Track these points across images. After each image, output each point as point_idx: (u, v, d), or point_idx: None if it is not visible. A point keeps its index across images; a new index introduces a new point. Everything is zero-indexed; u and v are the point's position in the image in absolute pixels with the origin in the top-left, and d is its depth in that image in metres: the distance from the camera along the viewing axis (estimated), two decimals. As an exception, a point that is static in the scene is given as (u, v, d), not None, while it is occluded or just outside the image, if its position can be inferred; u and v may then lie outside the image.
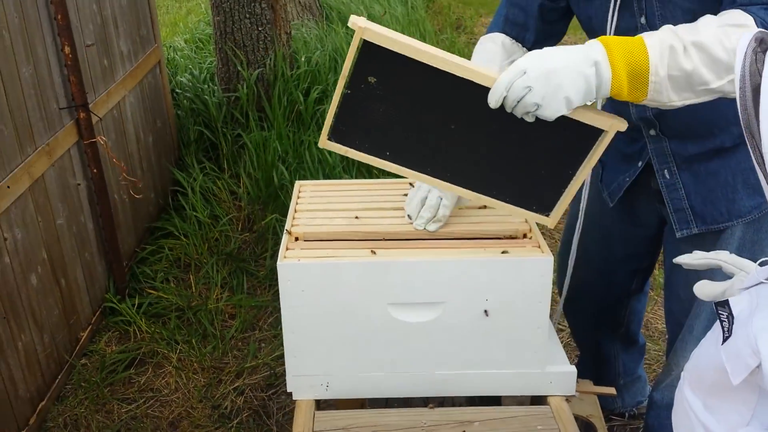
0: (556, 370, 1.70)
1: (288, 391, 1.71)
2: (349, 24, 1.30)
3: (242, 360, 2.66)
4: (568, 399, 1.72)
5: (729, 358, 0.88)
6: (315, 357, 1.67)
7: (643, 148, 1.69)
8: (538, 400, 1.73)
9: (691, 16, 1.34)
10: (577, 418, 1.96)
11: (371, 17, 5.49)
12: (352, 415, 1.65)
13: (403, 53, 1.29)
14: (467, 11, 8.14)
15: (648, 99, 1.28)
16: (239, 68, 3.63)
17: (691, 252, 1.29)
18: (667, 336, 1.99)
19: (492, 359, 1.67)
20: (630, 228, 1.89)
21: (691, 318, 1.71)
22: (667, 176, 1.66)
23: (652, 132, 1.64)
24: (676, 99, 1.29)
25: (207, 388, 2.53)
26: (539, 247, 1.64)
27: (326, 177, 3.31)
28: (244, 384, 2.55)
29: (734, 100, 1.01)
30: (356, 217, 1.74)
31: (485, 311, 1.62)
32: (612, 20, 1.50)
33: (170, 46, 4.69)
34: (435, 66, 1.29)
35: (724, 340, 0.90)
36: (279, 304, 2.77)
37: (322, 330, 1.64)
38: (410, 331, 1.64)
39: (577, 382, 2.04)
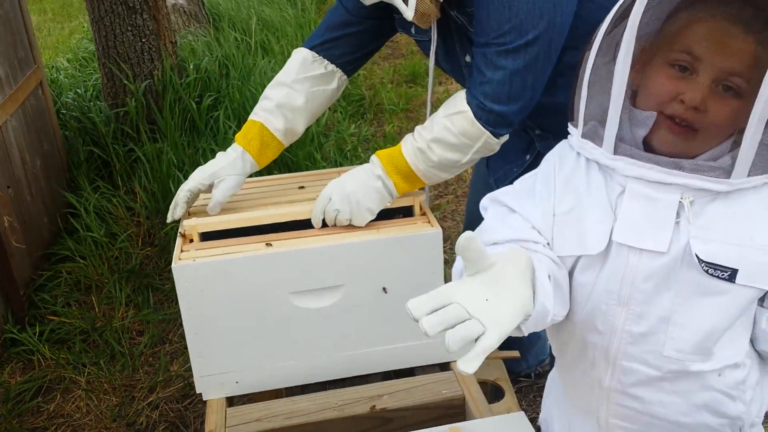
0: (457, 338, 1.76)
1: (197, 392, 1.71)
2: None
3: (154, 375, 2.61)
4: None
5: (755, 277, 1.02)
6: (221, 355, 1.68)
7: (531, 143, 1.83)
8: (446, 368, 1.79)
9: None
10: (485, 382, 2.05)
11: (261, 20, 5.48)
12: (265, 407, 1.66)
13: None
14: (357, 11, 8.20)
15: (427, 184, 1.68)
16: (125, 82, 3.56)
17: None
18: None
19: (395, 334, 1.73)
20: None
21: None
22: None
23: (537, 132, 1.78)
24: (447, 176, 1.66)
25: (120, 407, 2.47)
26: (429, 222, 1.71)
27: (226, 183, 3.29)
28: (158, 398, 2.51)
29: None
30: (251, 209, 1.75)
31: (383, 288, 1.67)
32: (431, 66, 1.73)
33: (53, 67, 4.54)
34: (259, 224, 1.70)
35: (732, 277, 1.01)
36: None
37: (226, 327, 1.65)
38: (314, 316, 1.67)
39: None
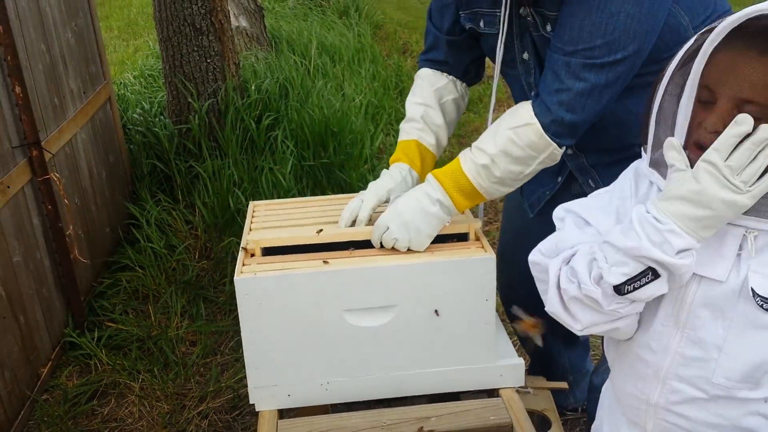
0: (505, 363, 1.78)
1: (251, 402, 1.76)
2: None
3: (205, 385, 2.68)
4: (518, 391, 1.81)
5: None
6: (275, 367, 1.72)
7: (563, 165, 1.81)
8: (492, 394, 1.81)
9: None
10: (532, 413, 2.05)
11: (320, 45, 5.61)
12: (314, 420, 1.70)
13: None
14: (413, 36, 8.33)
15: (488, 199, 1.67)
16: (190, 100, 3.69)
17: None
18: None
19: (445, 357, 1.75)
20: None
21: None
22: (592, 185, 1.78)
23: (569, 151, 1.77)
24: (508, 190, 1.65)
25: (171, 415, 2.54)
26: (483, 247, 1.74)
27: (281, 198, 3.37)
28: (208, 408, 2.57)
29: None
30: (318, 232, 1.80)
31: (436, 311, 1.70)
32: (499, 56, 1.70)
33: (120, 83, 4.73)
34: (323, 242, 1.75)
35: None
36: (239, 328, 2.83)
37: (281, 341, 1.70)
38: (366, 335, 1.71)
39: (531, 379, 2.14)
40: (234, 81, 3.80)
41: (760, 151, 0.96)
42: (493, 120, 1.70)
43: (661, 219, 1.03)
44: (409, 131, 1.86)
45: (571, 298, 1.14)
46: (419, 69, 1.94)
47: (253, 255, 1.76)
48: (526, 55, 1.68)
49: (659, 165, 1.11)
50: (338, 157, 3.75)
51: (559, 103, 1.51)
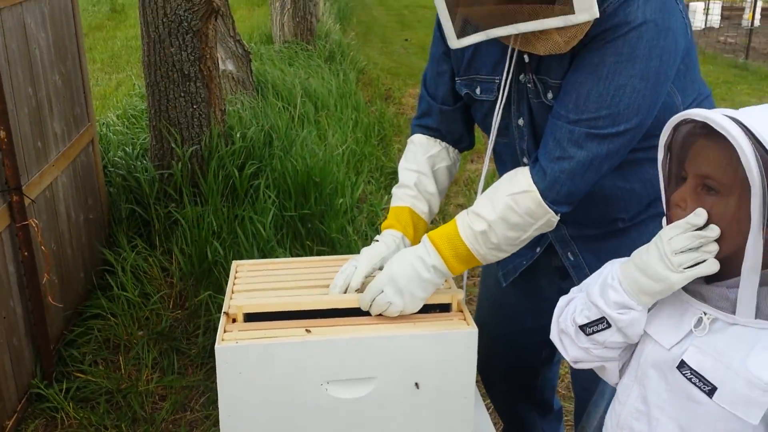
0: (484, 438, 1.77)
1: (224, 474, 1.72)
2: None
3: (175, 442, 2.63)
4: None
5: (736, 404, 1.09)
6: (252, 437, 1.69)
7: (542, 235, 1.78)
8: (471, 469, 1.79)
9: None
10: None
11: (305, 91, 5.66)
12: (290, 494, 1.67)
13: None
14: (395, 82, 8.44)
15: (483, 263, 1.65)
16: (173, 145, 3.68)
17: None
18: (574, 399, 2.10)
19: (424, 429, 1.73)
20: (535, 302, 1.97)
21: (602, 383, 1.80)
22: (571, 258, 1.79)
23: None
24: (505, 255, 1.64)
25: (140, 473, 2.48)
26: (465, 320, 1.73)
27: (260, 251, 3.35)
28: (178, 467, 2.52)
29: (628, 192, 1.66)
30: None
31: (416, 384, 1.69)
32: (496, 122, 1.70)
33: (103, 123, 4.71)
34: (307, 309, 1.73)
35: (711, 393, 1.12)
36: (211, 383, 2.77)
37: (259, 411, 1.67)
38: (345, 407, 1.69)
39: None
40: (219, 128, 3.80)
41: (702, 245, 1.11)
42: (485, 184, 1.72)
43: (613, 275, 1.22)
44: (402, 198, 1.86)
45: (560, 330, 1.35)
46: (412, 134, 1.94)
47: (234, 320, 1.74)
48: (521, 122, 1.68)
49: None
50: (319, 208, 3.75)
51: (560, 171, 1.51)
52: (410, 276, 1.64)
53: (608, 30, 1.43)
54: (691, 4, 15.80)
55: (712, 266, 1.11)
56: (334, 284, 1.77)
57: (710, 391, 1.12)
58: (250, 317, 1.76)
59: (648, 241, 1.69)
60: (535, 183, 1.53)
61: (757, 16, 12.79)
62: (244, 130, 4.02)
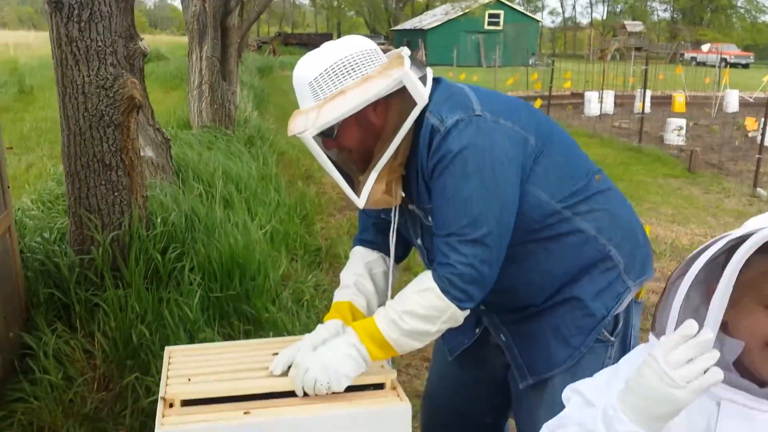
0: None
1: None
2: None
3: None
4: None
5: None
6: None
7: (479, 319, 2.06)
8: None
9: None
10: None
11: (225, 174, 5.74)
12: None
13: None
14: (315, 163, 8.60)
15: (399, 353, 1.82)
16: (93, 232, 3.67)
17: (532, 397, 1.85)
18: None
19: (362, 507, 1.80)
20: (478, 373, 2.18)
21: None
22: (503, 339, 1.99)
23: (482, 308, 2.00)
24: (418, 344, 1.82)
25: None
26: (399, 396, 1.84)
27: (187, 332, 3.35)
28: None
29: (529, 284, 1.82)
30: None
31: (354, 461, 1.77)
32: (392, 242, 1.99)
33: (18, 208, 4.62)
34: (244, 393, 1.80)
35: None
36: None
37: (199, 494, 1.70)
38: (284, 486, 1.74)
39: None
40: (140, 213, 3.82)
41: (701, 354, 1.04)
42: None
43: (614, 407, 1.11)
44: (342, 295, 2.04)
45: None
46: (353, 248, 2.16)
47: (172, 405, 1.78)
48: (419, 241, 1.96)
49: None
50: (243, 288, 3.80)
51: (450, 274, 1.74)
52: (334, 353, 1.79)
53: (439, 162, 1.72)
54: (586, 93, 17.02)
55: (718, 375, 1.04)
56: (278, 362, 1.87)
57: None
58: (187, 403, 1.80)
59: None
60: (434, 281, 1.77)
61: (648, 103, 13.90)
62: (165, 215, 4.05)
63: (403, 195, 1.88)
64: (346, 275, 2.08)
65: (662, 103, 17.07)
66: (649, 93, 14.29)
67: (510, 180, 1.74)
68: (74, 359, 3.32)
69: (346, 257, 2.21)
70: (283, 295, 4.10)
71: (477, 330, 2.09)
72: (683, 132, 12.82)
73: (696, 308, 1.19)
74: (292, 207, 6.00)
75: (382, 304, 2.07)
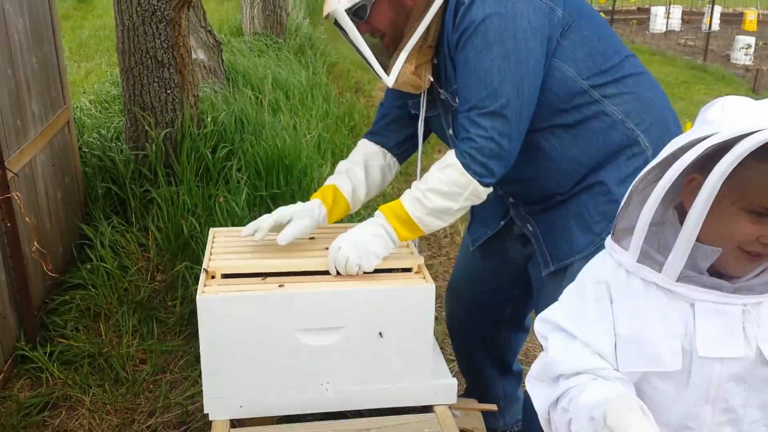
0: (439, 383, 1.99)
1: (205, 412, 1.91)
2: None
3: (154, 401, 2.79)
4: (451, 407, 2.01)
5: None
6: (230, 380, 1.88)
7: (507, 211, 2.13)
8: (428, 410, 2.00)
9: None
10: (463, 430, 2.25)
11: (275, 81, 5.82)
12: (264, 430, 1.86)
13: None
14: (365, 76, 8.61)
15: (425, 232, 1.90)
16: (147, 128, 3.83)
17: (552, 283, 1.87)
18: None
19: (386, 375, 1.94)
20: (498, 264, 2.27)
21: None
22: (530, 228, 2.04)
23: (511, 200, 2.07)
24: (442, 223, 1.89)
25: (121, 428, 2.65)
26: (424, 278, 1.95)
27: (235, 226, 3.52)
28: (157, 422, 2.68)
29: (557, 172, 1.79)
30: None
31: (380, 333, 1.90)
32: (421, 131, 2.08)
33: (77, 107, 4.81)
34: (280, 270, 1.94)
35: None
36: (189, 348, 2.96)
37: (236, 356, 1.86)
38: (315, 353, 1.89)
39: (464, 401, 2.34)
40: (192, 112, 3.96)
41: None
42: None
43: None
44: (330, 180, 2.15)
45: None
46: (362, 139, 2.23)
47: (213, 277, 1.93)
48: (450, 131, 1.99)
49: (651, 262, 1.19)
50: (289, 188, 3.93)
51: (470, 148, 1.80)
52: (363, 233, 1.91)
53: (462, 34, 1.75)
54: (652, 8, 16.28)
55: None
56: (248, 228, 2.03)
57: None
58: (227, 276, 1.94)
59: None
60: (457, 158, 1.82)
61: (716, 20, 13.25)
62: (215, 115, 4.18)
63: (432, 80, 1.92)
64: (342, 162, 2.19)
65: (732, 20, 16.22)
66: (718, 9, 13.61)
67: (533, 50, 1.74)
68: (129, 251, 3.53)
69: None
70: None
71: (501, 222, 2.16)
72: (751, 51, 12.24)
73: (661, 218, 1.19)
74: (341, 117, 6.05)
75: (371, 194, 2.17)
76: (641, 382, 1.24)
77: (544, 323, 1.32)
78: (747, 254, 1.16)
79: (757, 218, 1.14)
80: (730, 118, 1.11)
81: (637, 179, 1.21)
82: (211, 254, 2.05)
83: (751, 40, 12.42)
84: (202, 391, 1.92)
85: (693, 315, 1.19)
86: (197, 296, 1.83)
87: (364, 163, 2.15)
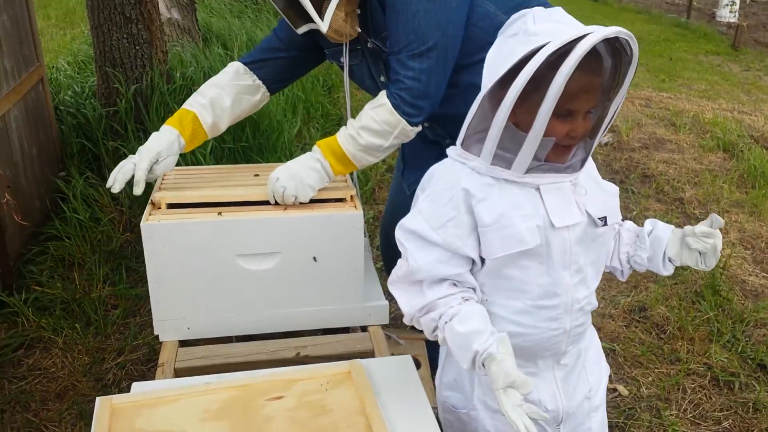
0: (372, 304, 2.13)
1: (155, 333, 2.06)
2: None
3: (124, 341, 2.95)
4: (400, 337, 2.16)
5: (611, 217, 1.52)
6: (177, 303, 2.03)
7: (442, 153, 2.16)
8: (364, 330, 2.15)
9: None
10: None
11: (250, 41, 5.89)
12: (208, 349, 2.02)
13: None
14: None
15: (358, 167, 2.03)
16: (116, 85, 3.94)
17: None
18: None
19: (322, 297, 2.09)
20: None
21: None
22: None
23: (448, 141, 2.12)
24: (373, 159, 2.02)
25: (91, 365, 2.81)
26: (355, 206, 2.08)
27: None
28: (126, 360, 2.85)
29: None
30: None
31: (314, 258, 2.04)
32: (346, 79, 2.15)
33: (54, 67, 4.91)
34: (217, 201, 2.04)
35: (604, 221, 1.49)
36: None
37: (182, 280, 2.00)
38: (255, 277, 2.03)
39: (409, 331, 2.48)
40: (161, 68, 4.06)
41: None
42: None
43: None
44: (192, 104, 2.18)
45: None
46: (234, 61, 2.26)
47: (159, 208, 2.07)
48: (383, 78, 2.09)
49: (502, 163, 1.36)
50: (256, 142, 4.05)
51: (399, 89, 1.93)
52: (299, 165, 2.03)
53: None
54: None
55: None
56: (113, 178, 2.11)
57: (605, 221, 1.46)
58: (172, 206, 2.08)
59: None
60: (387, 98, 1.95)
61: (702, -25, 13.21)
62: (184, 70, 4.28)
63: (360, 30, 2.02)
64: (209, 88, 2.18)
65: (722, -23, 16.14)
66: (705, -35, 13.56)
67: None
68: (102, 204, 3.67)
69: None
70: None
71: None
72: (736, 8, 12.24)
73: (485, 114, 1.36)
74: (315, 76, 6.13)
75: (227, 126, 2.23)
76: (510, 267, 1.43)
77: (402, 231, 1.46)
78: (563, 147, 1.37)
79: (564, 119, 1.33)
80: (555, 29, 1.27)
81: (485, 94, 1.36)
82: (160, 188, 2.18)
83: (737, -5, 12.41)
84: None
85: (540, 197, 1.40)
86: (141, 223, 1.96)
87: (233, 97, 2.18)
